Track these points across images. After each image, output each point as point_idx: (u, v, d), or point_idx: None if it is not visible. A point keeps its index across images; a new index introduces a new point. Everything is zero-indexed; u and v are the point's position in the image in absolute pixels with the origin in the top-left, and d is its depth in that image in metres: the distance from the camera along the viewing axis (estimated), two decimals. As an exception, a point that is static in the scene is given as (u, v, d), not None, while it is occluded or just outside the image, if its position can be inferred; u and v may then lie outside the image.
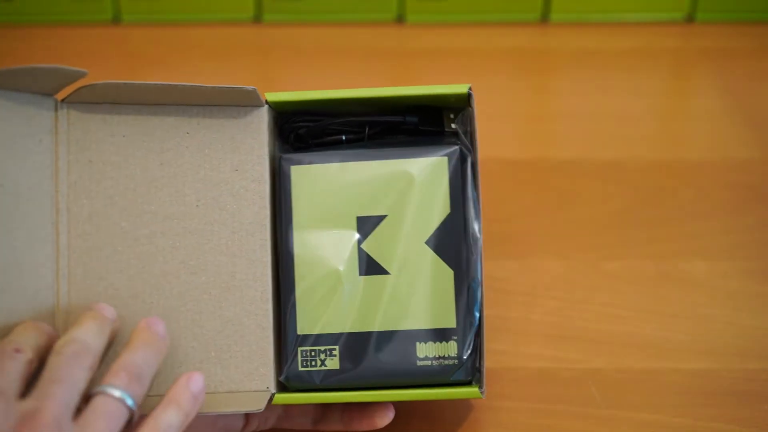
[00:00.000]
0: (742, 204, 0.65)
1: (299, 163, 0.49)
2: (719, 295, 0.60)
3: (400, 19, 0.75)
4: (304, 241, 0.48)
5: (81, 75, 0.43)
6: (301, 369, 0.47)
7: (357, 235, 0.48)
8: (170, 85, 0.45)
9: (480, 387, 0.47)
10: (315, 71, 0.73)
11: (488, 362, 0.53)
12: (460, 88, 0.48)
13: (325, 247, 0.48)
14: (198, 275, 0.47)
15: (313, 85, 0.50)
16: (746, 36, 0.73)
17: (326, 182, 0.49)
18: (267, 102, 0.48)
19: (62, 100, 0.46)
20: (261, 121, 0.48)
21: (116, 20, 0.76)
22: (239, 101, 0.48)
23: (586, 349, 0.56)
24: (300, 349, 0.47)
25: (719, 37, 0.73)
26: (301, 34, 0.75)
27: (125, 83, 0.45)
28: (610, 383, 0.54)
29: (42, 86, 0.44)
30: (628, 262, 0.61)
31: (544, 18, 0.75)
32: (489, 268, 0.52)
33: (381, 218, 0.48)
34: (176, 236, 0.47)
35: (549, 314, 0.58)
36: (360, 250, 0.48)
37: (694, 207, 0.65)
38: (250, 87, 0.46)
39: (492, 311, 0.55)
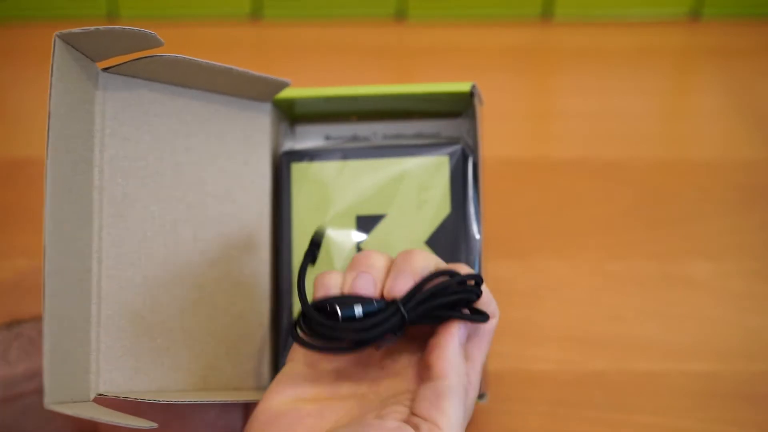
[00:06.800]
0: (747, 204, 0.64)
1: (300, 160, 0.49)
2: (724, 296, 0.59)
3: (401, 16, 0.75)
4: (303, 239, 0.48)
5: (158, 44, 0.40)
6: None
7: (356, 234, 0.48)
8: (212, 64, 0.43)
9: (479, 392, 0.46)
10: (315, 69, 0.73)
11: (490, 364, 0.52)
12: (463, 86, 0.48)
13: (323, 245, 0.47)
14: (214, 268, 0.46)
15: (313, 83, 0.50)
16: (752, 33, 0.73)
17: (326, 180, 0.48)
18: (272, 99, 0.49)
19: (103, 70, 0.43)
20: (266, 117, 0.49)
21: (112, 16, 0.75)
22: (259, 94, 0.47)
23: (590, 350, 0.56)
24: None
25: (725, 35, 0.73)
26: (301, 31, 0.75)
27: (174, 57, 0.42)
28: (613, 385, 0.54)
29: (106, 52, 0.41)
30: (631, 263, 0.61)
31: (547, 16, 0.74)
32: (491, 269, 0.52)
33: (381, 217, 0.48)
34: (197, 226, 0.46)
35: (552, 315, 0.58)
36: (359, 250, 0.47)
37: (698, 207, 0.64)
38: (287, 79, 0.46)
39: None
